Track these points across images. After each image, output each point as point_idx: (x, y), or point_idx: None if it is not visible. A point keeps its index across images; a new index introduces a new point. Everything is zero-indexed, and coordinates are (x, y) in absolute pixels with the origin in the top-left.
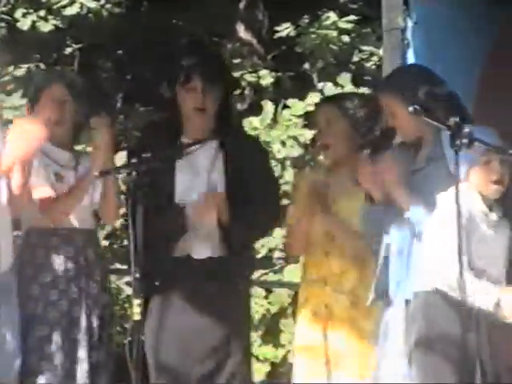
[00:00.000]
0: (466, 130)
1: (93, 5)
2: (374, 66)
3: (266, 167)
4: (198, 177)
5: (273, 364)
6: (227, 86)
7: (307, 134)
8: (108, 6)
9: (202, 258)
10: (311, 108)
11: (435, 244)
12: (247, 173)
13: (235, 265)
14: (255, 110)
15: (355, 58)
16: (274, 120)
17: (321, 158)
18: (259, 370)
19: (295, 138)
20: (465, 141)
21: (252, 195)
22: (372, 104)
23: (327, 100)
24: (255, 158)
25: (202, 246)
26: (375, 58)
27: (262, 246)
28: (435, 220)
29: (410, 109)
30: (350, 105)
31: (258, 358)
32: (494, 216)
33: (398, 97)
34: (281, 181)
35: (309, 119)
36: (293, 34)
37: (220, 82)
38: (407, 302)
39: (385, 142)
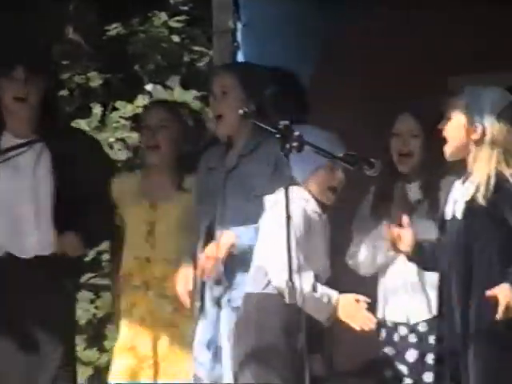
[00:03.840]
0: (296, 133)
1: None
2: (204, 67)
3: (98, 165)
4: (21, 181)
5: (96, 368)
6: (50, 77)
7: (135, 137)
8: None
9: (28, 258)
10: (140, 110)
11: (265, 246)
12: (79, 174)
13: (62, 266)
14: (84, 112)
15: (186, 59)
16: (102, 122)
17: (150, 159)
18: (82, 374)
19: (123, 141)
20: (295, 144)
21: (85, 203)
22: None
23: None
24: (86, 157)
25: (28, 245)
26: (206, 59)
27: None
28: (264, 222)
29: (240, 112)
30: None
31: (81, 362)
32: (324, 216)
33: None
34: None
35: (137, 121)
36: (123, 34)
37: (44, 73)
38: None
39: None
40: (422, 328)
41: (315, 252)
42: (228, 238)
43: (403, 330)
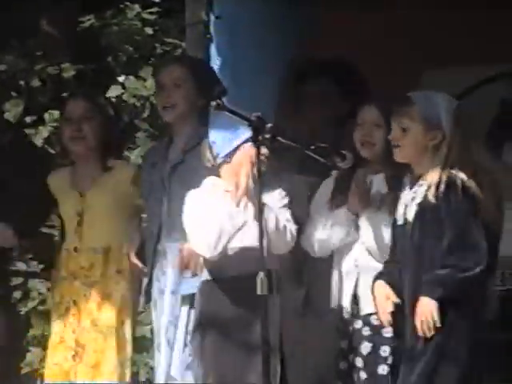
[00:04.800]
0: (269, 125)
1: None
2: None
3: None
4: None
5: None
6: None
7: None
8: None
9: None
10: (113, 101)
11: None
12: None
13: None
14: (57, 103)
15: (159, 51)
16: None
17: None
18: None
19: None
20: (267, 136)
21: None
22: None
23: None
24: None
25: None
26: (179, 51)
27: None
28: (186, 211)
29: (213, 104)
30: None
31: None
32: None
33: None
34: None
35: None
36: (97, 25)
37: None
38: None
39: None
40: (376, 321)
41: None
42: None
43: (358, 323)
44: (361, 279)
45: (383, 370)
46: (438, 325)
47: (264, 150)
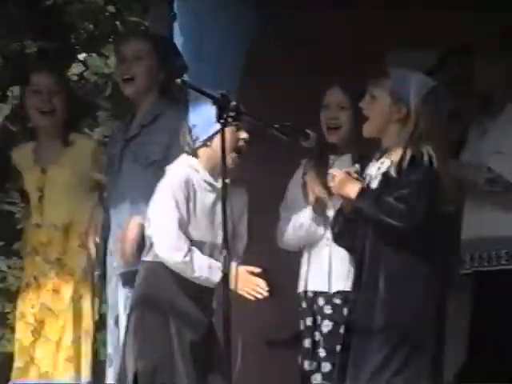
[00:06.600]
0: (234, 103)
1: None
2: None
3: None
4: None
5: None
6: None
7: None
8: None
9: None
10: (75, 78)
11: (154, 216)
12: None
13: None
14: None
15: (121, 29)
16: None
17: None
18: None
19: None
20: (232, 114)
21: None
22: None
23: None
24: None
25: None
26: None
27: (22, 217)
28: (157, 192)
29: (178, 81)
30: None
31: (13, 330)
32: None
33: None
34: None
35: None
36: (60, 3)
37: None
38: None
39: None
40: (337, 300)
41: (201, 223)
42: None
43: (321, 301)
44: (333, 256)
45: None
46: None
47: (244, 135)
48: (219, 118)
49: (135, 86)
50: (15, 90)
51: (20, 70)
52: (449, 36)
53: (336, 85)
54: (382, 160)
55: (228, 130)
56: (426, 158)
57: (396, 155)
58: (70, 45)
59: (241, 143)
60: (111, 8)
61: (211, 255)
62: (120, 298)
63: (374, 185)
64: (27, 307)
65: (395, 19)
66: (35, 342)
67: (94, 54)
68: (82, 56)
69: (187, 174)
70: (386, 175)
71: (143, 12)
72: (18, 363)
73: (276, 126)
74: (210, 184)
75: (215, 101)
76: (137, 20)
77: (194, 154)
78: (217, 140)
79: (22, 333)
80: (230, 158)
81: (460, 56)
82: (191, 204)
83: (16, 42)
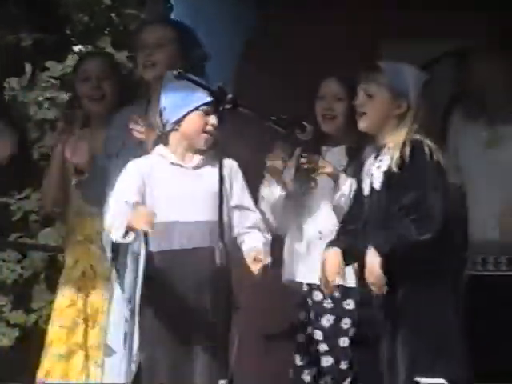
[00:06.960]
0: (230, 95)
1: None
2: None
3: None
4: None
5: (23, 329)
6: None
7: (63, 96)
8: None
9: None
10: (69, 70)
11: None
12: None
13: None
14: (15, 70)
15: (117, 21)
16: (32, 81)
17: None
18: (9, 336)
19: (52, 100)
20: (228, 106)
21: None
22: None
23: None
24: None
25: None
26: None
27: (18, 209)
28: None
29: (175, 73)
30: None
31: (8, 323)
32: (192, 164)
33: None
34: (40, 143)
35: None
36: None
37: None
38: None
39: None
40: (337, 293)
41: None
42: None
43: (318, 296)
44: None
45: (344, 342)
46: (382, 279)
47: (213, 120)
48: (215, 109)
49: (155, 72)
50: (12, 82)
51: (16, 62)
52: (449, 36)
53: (332, 76)
54: (380, 157)
55: (197, 114)
56: (426, 150)
57: (396, 150)
58: (65, 37)
59: (209, 128)
60: (107, 0)
61: (189, 234)
62: (116, 290)
63: (377, 186)
64: (80, 295)
65: (395, 18)
66: (88, 329)
67: (89, 46)
68: (77, 48)
69: (145, 162)
70: (387, 173)
71: (139, 4)
72: (57, 350)
73: (273, 118)
74: (180, 166)
75: (212, 93)
76: (133, 12)
77: (165, 141)
78: (184, 124)
79: (71, 320)
80: (203, 138)
81: (454, 57)
82: (148, 188)
83: (12, 34)
